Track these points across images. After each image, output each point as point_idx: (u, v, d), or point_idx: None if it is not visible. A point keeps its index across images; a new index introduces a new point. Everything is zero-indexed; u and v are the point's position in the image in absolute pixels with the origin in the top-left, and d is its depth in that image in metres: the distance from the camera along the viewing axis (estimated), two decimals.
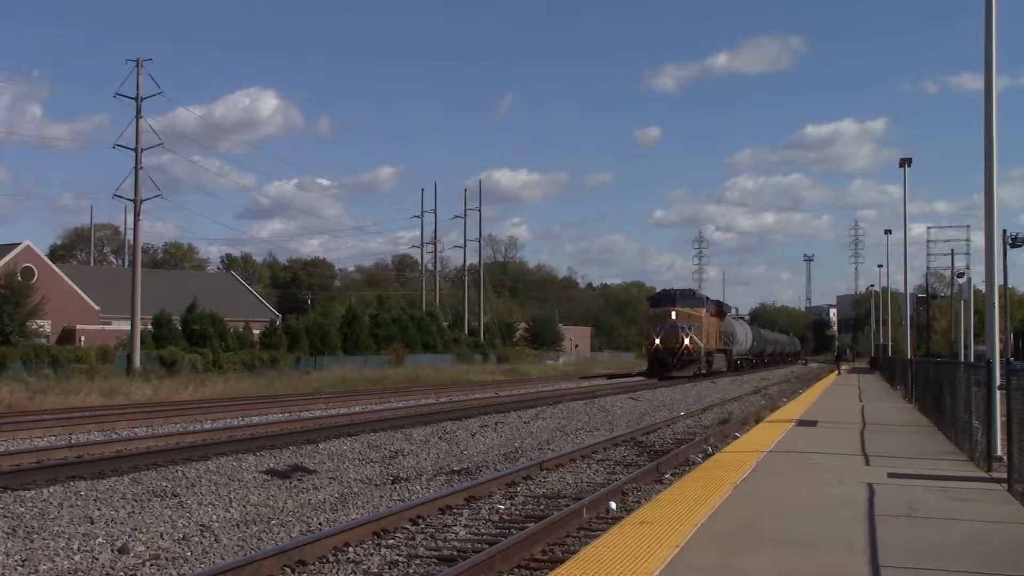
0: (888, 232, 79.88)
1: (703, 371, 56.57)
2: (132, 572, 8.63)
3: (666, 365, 54.93)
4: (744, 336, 74.61)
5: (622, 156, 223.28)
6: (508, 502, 12.17)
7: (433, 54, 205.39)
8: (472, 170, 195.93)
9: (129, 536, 9.94)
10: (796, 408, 26.05)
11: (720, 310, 65.33)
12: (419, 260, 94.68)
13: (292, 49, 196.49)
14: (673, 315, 55.90)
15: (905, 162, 35.89)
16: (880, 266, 75.86)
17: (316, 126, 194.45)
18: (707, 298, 62.24)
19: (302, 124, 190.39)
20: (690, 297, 58.67)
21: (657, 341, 55.96)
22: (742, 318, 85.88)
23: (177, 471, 14.38)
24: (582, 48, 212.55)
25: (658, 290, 66.45)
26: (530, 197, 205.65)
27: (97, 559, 8.98)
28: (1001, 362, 13.54)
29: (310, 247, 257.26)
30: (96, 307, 63.22)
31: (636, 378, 56.68)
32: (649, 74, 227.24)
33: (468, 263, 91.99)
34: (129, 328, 47.08)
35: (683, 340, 55.06)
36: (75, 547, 9.39)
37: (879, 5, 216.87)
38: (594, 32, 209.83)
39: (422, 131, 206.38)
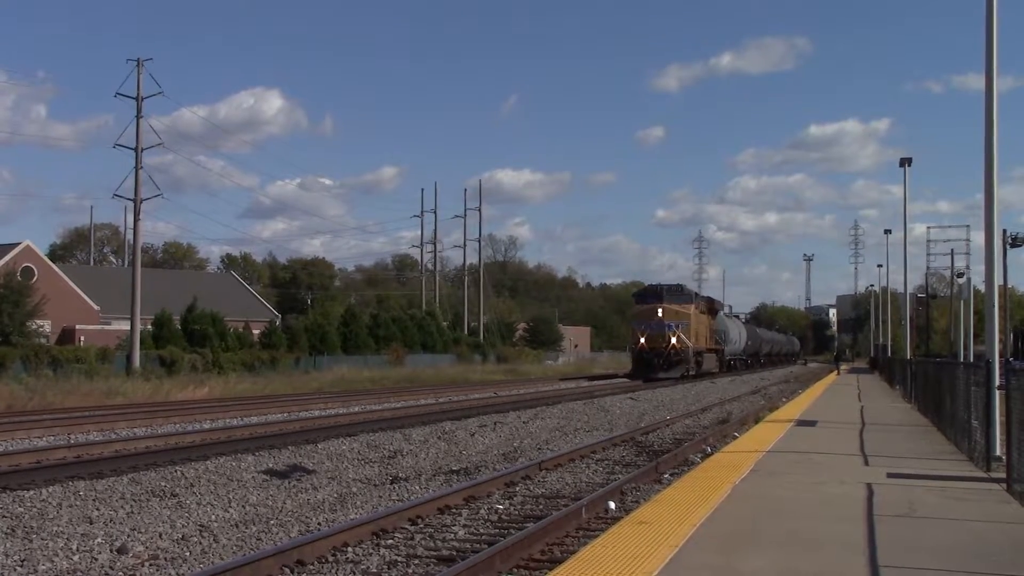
0: (888, 232, 79.68)
1: (691, 372, 53.58)
2: (131, 572, 8.62)
3: (651, 366, 51.63)
4: (738, 335, 71.55)
5: (625, 156, 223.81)
6: (507, 502, 12.17)
7: (437, 54, 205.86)
8: (476, 170, 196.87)
9: (128, 536, 9.93)
10: (795, 408, 26.04)
11: (711, 307, 62.15)
12: (419, 260, 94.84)
13: (297, 49, 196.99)
14: (659, 312, 52.53)
15: (905, 162, 35.94)
16: (880, 266, 75.92)
17: (320, 126, 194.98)
18: (696, 294, 58.57)
19: (306, 124, 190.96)
20: (678, 293, 54.89)
21: (642, 340, 52.44)
22: (736, 316, 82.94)
23: (176, 471, 14.37)
24: (587, 48, 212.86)
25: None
26: (533, 197, 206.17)
27: (96, 559, 8.98)
28: (1001, 362, 13.52)
29: (312, 247, 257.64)
30: (96, 307, 63.22)
31: (620, 379, 53.62)
32: (653, 74, 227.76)
33: (468, 263, 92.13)
34: (129, 328, 47.09)
35: (670, 339, 51.67)
36: (74, 547, 9.38)
37: (885, 5, 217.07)
38: (599, 32, 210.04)
39: (425, 131, 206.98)
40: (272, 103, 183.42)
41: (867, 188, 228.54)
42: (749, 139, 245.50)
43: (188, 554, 9.27)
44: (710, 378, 55.74)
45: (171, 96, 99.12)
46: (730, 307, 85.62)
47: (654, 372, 51.00)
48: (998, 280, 14.72)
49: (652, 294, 55.16)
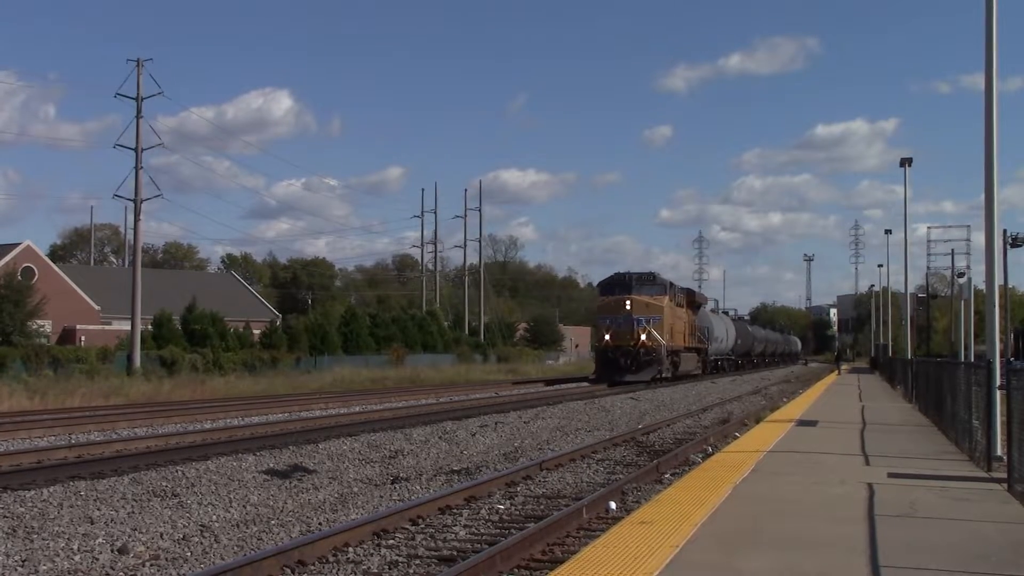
0: (888, 232, 79.68)
1: (665, 374, 46.94)
2: (132, 572, 8.62)
3: (618, 367, 45.14)
4: (724, 333, 65.43)
5: (631, 156, 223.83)
6: (508, 502, 12.17)
7: (443, 54, 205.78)
8: (481, 170, 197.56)
9: (129, 536, 9.94)
10: (796, 408, 26.04)
11: (692, 300, 55.36)
12: (420, 260, 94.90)
13: (306, 50, 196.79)
14: (628, 305, 45.79)
15: (905, 162, 35.90)
16: (880, 266, 75.90)
17: (328, 127, 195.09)
18: (672, 284, 50.41)
19: (314, 125, 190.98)
20: (650, 283, 47.65)
21: (607, 337, 45.98)
22: (725, 312, 78.81)
23: (177, 471, 14.37)
24: (594, 48, 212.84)
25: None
26: (537, 197, 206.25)
27: (97, 559, 8.98)
28: (1001, 362, 13.53)
29: (316, 247, 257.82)
30: (96, 307, 63.24)
31: (583, 383, 47.17)
32: (661, 74, 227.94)
33: (469, 263, 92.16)
34: (129, 328, 47.11)
35: (639, 336, 45.20)
36: (75, 547, 9.38)
37: (894, 4, 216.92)
38: (607, 33, 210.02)
39: (431, 131, 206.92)
40: (281, 104, 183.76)
41: (872, 188, 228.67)
42: (755, 139, 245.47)
43: (189, 554, 9.28)
44: (711, 378, 55.24)
45: (181, 97, 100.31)
46: (716, 301, 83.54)
47: (621, 375, 44.81)
48: (998, 280, 14.72)
49: (619, 284, 47.82)
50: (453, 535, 10.08)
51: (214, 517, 11.07)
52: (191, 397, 35.59)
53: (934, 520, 9.08)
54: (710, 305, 69.92)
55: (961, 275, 63.73)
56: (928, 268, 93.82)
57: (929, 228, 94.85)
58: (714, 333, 60.91)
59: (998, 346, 14.24)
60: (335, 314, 73.07)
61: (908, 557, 7.43)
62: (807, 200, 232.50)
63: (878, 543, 7.91)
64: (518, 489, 13.16)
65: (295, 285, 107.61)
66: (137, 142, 47.46)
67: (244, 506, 11.83)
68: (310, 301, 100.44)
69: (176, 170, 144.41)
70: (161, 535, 10.05)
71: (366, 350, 65.63)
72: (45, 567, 8.68)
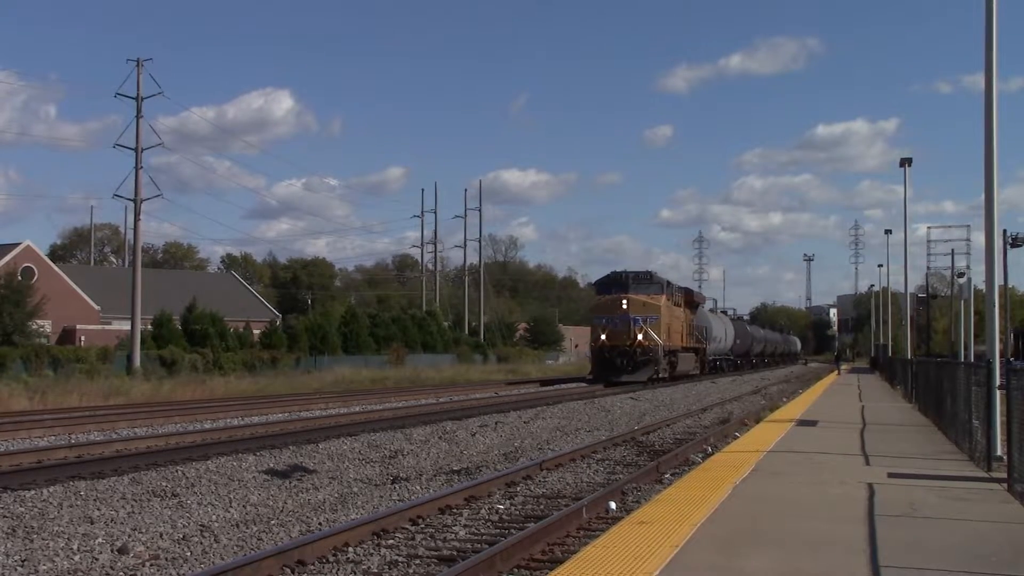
0: (888, 232, 79.44)
1: (662, 375, 46.26)
2: (132, 572, 8.62)
3: (615, 367, 44.69)
4: (723, 332, 64.78)
5: (631, 156, 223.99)
6: (508, 502, 12.17)
7: (444, 54, 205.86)
8: (482, 170, 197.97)
9: (129, 536, 9.94)
10: (796, 408, 26.04)
11: (690, 299, 54.89)
12: (419, 260, 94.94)
13: (307, 50, 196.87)
14: (623, 304, 45.26)
15: (905, 162, 35.90)
16: (880, 266, 75.84)
17: (328, 127, 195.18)
18: (669, 283, 49.67)
19: (315, 125, 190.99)
20: (646, 282, 47.22)
21: (603, 337, 45.37)
22: (724, 312, 78.05)
23: (177, 471, 14.38)
24: (595, 48, 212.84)
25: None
26: (537, 197, 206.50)
27: (97, 559, 8.98)
28: (1001, 362, 13.52)
29: (316, 247, 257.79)
30: (96, 307, 63.26)
31: (579, 383, 46.27)
32: (661, 74, 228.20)
33: (468, 263, 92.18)
34: (129, 328, 47.12)
35: (635, 335, 44.60)
36: (75, 547, 9.38)
37: (895, 4, 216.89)
38: (608, 33, 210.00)
39: (431, 131, 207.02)
40: (281, 103, 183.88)
41: (872, 188, 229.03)
42: (756, 139, 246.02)
43: (189, 554, 9.27)
44: (711, 378, 55.17)
45: (181, 97, 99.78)
46: (715, 301, 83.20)
47: (617, 375, 44.34)
48: (998, 280, 14.73)
49: (616, 283, 47.38)
50: (453, 535, 10.08)
51: (214, 517, 11.07)
52: (191, 397, 35.60)
53: (934, 520, 9.08)
54: (709, 305, 69.60)
55: (961, 275, 63.58)
56: (928, 268, 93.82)
57: (929, 228, 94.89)
58: (713, 333, 60.50)
59: (998, 346, 14.24)
60: (335, 314, 73.04)
61: (908, 557, 7.43)
62: (807, 200, 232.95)
63: (878, 543, 7.91)
64: (518, 489, 13.16)
65: (295, 285, 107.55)
66: (137, 142, 47.51)
67: (244, 506, 11.83)
68: (310, 301, 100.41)
69: (176, 170, 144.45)
70: (161, 535, 10.05)
71: (366, 350, 65.62)
72: (45, 567, 8.68)
